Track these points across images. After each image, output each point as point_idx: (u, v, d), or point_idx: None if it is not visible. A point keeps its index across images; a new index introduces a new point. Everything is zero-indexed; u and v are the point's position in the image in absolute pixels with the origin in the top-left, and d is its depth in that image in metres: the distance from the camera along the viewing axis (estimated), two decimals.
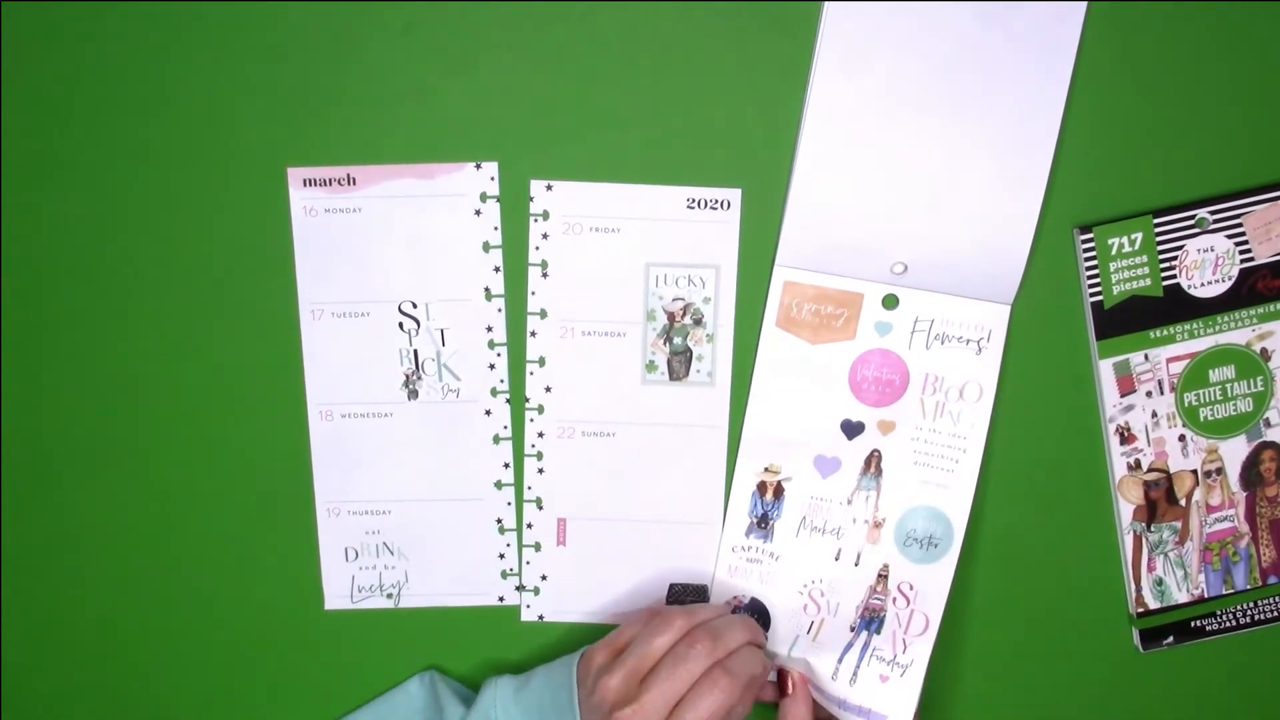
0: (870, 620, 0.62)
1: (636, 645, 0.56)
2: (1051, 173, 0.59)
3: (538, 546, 0.64)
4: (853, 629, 0.63)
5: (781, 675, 0.62)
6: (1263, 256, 0.61)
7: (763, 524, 0.63)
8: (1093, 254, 0.60)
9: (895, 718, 0.61)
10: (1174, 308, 0.61)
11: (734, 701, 0.55)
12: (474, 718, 0.59)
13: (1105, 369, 0.61)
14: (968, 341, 0.61)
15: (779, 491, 0.63)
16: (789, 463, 0.62)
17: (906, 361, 0.61)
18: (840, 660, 0.62)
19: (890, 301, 0.61)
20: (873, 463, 0.62)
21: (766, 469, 0.63)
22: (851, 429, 0.62)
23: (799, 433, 0.62)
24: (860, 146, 0.59)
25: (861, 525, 0.62)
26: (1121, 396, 0.62)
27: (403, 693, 0.64)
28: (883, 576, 0.62)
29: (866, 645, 0.62)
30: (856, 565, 0.63)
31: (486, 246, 0.61)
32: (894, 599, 0.62)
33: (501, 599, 0.65)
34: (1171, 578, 0.64)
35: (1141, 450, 0.62)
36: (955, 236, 0.60)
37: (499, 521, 0.64)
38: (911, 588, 0.62)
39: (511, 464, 0.63)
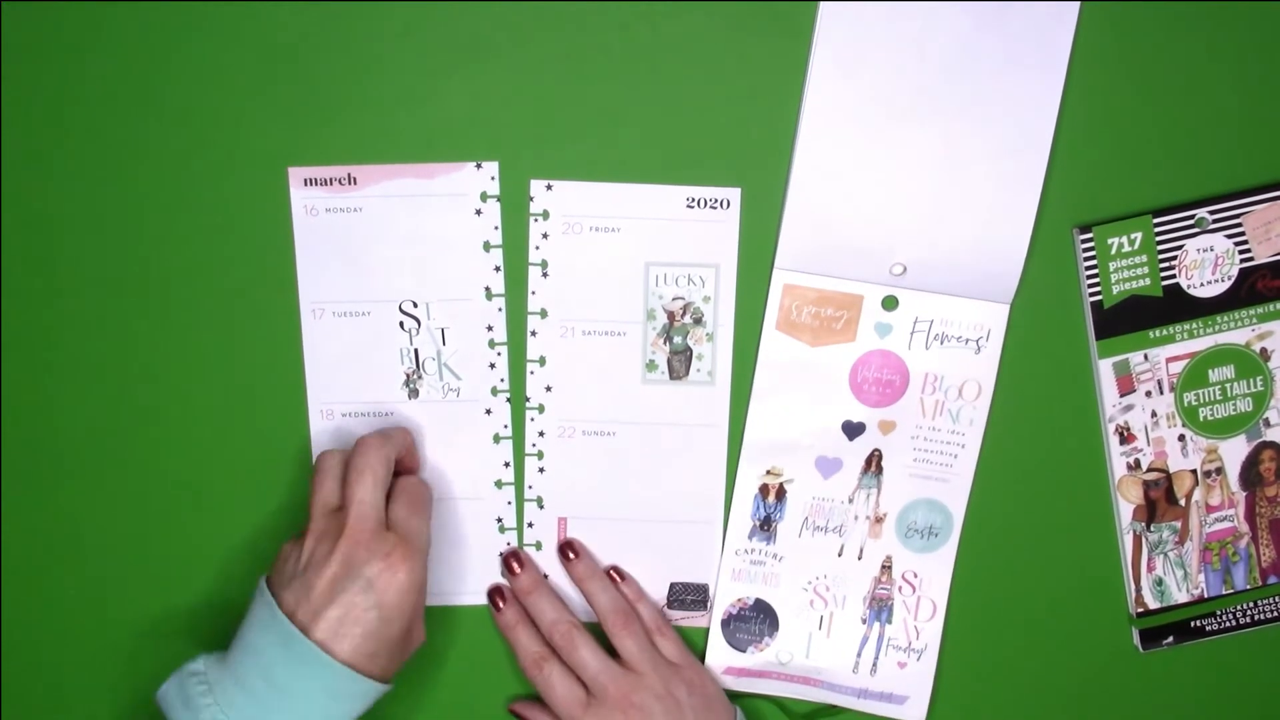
0: (880, 610, 0.63)
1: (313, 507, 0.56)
2: (1051, 173, 0.59)
3: (539, 546, 0.64)
4: (863, 621, 0.63)
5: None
6: (1262, 256, 0.61)
7: (765, 526, 0.63)
8: (1092, 254, 0.60)
9: (915, 695, 0.63)
10: (1173, 308, 0.61)
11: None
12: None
13: (1105, 369, 0.62)
14: (967, 341, 0.61)
15: (781, 494, 0.63)
16: (791, 465, 0.62)
17: (906, 362, 0.61)
18: (859, 654, 0.63)
19: (890, 303, 0.61)
20: (873, 462, 0.62)
21: (768, 472, 0.63)
22: (853, 430, 0.62)
23: (800, 435, 0.62)
24: (857, 148, 0.59)
25: (863, 521, 0.63)
26: (1121, 396, 0.62)
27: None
28: (886, 568, 0.63)
29: (881, 636, 0.63)
30: (860, 559, 0.63)
31: (487, 246, 0.61)
32: (899, 587, 0.63)
33: None
34: (1171, 577, 0.64)
35: (1141, 450, 0.62)
36: (954, 237, 0.60)
37: (499, 520, 0.64)
38: (916, 575, 0.63)
39: (512, 463, 0.63)
